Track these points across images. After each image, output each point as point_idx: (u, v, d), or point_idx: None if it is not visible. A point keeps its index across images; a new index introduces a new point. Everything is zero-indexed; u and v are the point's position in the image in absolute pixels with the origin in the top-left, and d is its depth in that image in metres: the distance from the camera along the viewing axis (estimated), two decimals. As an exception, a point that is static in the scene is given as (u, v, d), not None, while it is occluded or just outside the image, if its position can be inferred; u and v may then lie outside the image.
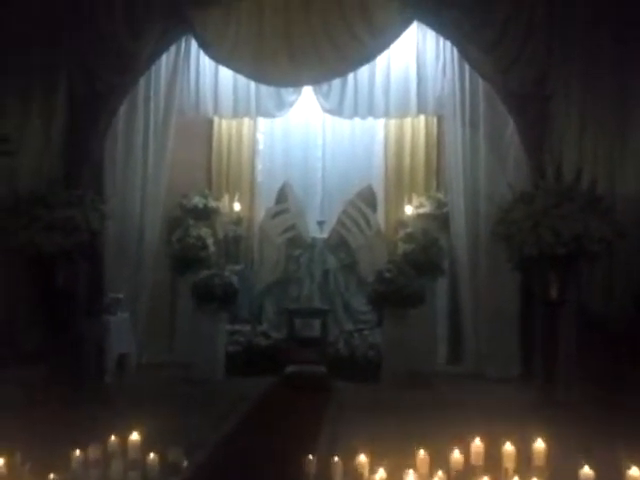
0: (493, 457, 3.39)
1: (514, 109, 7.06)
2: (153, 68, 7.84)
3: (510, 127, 7.49)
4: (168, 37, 7.47)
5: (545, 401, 6.03)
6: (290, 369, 7.15)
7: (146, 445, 3.49)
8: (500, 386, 6.99)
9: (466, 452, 3.38)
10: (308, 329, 7.74)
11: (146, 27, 7.15)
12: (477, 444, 3.41)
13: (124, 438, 3.52)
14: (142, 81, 7.84)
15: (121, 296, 7.53)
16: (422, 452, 3.32)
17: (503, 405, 5.93)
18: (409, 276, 7.48)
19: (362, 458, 3.23)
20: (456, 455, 3.33)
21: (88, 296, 7.15)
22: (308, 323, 7.79)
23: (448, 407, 6.06)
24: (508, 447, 3.39)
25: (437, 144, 8.78)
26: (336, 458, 3.31)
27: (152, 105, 8.16)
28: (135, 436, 3.51)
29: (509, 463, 3.33)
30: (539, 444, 3.40)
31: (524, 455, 3.40)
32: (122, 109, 7.77)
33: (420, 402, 6.33)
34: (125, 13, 7.14)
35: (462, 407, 5.95)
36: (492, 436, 3.49)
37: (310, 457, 3.42)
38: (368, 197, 8.79)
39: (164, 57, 7.91)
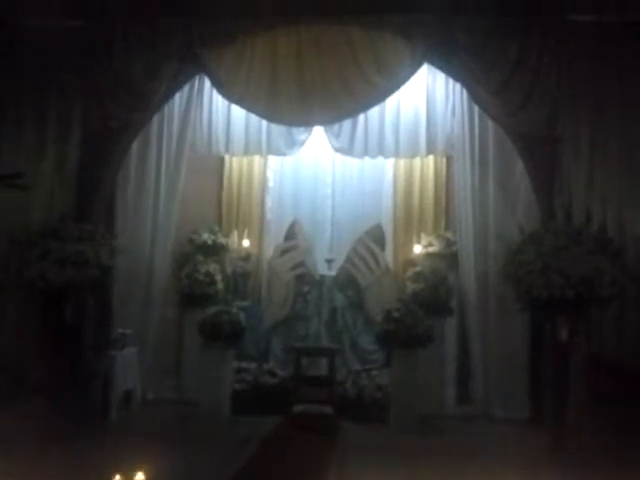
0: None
1: (523, 150, 7.11)
2: (166, 106, 7.97)
3: (519, 167, 7.53)
4: (182, 76, 7.61)
5: (555, 447, 5.93)
6: (297, 409, 7.07)
7: (151, 485, 3.45)
8: (509, 429, 6.88)
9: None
10: (315, 368, 7.69)
11: (161, 67, 7.30)
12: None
13: (129, 478, 3.48)
14: (155, 118, 7.98)
15: (129, 331, 7.52)
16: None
17: (512, 451, 5.82)
18: (417, 316, 7.43)
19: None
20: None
21: (96, 331, 7.15)
22: (315, 362, 7.75)
23: (456, 452, 5.95)
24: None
25: (446, 184, 8.81)
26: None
27: (164, 142, 8.27)
28: (140, 476, 3.47)
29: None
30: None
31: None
32: (135, 145, 7.90)
33: (428, 446, 6.23)
34: (140, 53, 7.30)
35: (471, 452, 5.84)
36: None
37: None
38: (377, 236, 8.79)
39: (177, 95, 8.04)
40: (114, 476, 3.51)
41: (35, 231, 6.89)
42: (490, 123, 7.69)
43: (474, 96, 7.46)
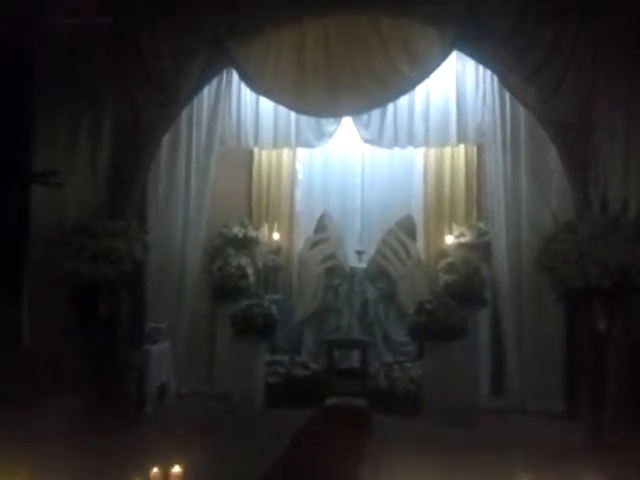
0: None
1: (557, 138, 6.95)
2: (195, 100, 7.99)
3: (552, 155, 7.36)
4: (211, 70, 7.62)
5: (592, 442, 5.82)
6: (330, 401, 7.07)
7: (188, 478, 3.47)
8: (544, 422, 6.78)
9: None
10: (347, 360, 7.68)
11: (190, 62, 7.30)
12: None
13: (166, 470, 3.50)
14: (184, 113, 8.01)
15: (162, 325, 7.59)
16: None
17: (548, 444, 5.74)
18: (450, 307, 7.36)
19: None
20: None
21: (130, 325, 7.23)
22: (347, 354, 7.73)
23: (491, 445, 5.88)
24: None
25: (477, 173, 8.69)
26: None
27: (194, 136, 8.31)
28: (177, 468, 3.49)
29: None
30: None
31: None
32: (165, 140, 7.93)
33: (463, 439, 6.17)
34: (168, 48, 7.32)
35: (506, 445, 5.76)
36: (540, 477, 3.38)
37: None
38: (408, 226, 8.72)
39: (206, 89, 8.06)
40: (152, 469, 3.54)
41: (69, 228, 6.98)
42: (522, 110, 7.54)
43: (505, 83, 7.33)
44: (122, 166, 7.37)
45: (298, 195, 9.12)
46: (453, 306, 7.40)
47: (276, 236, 8.92)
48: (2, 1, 6.45)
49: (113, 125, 7.39)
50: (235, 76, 8.08)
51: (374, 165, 9.00)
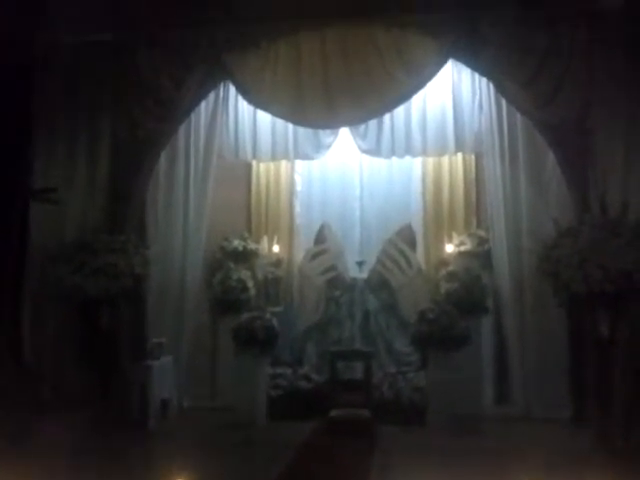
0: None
1: (555, 143, 6.97)
2: (193, 114, 8.01)
3: (551, 161, 7.37)
4: (208, 84, 7.66)
5: (601, 447, 5.77)
6: (334, 413, 7.01)
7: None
8: (551, 428, 6.72)
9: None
10: (351, 372, 7.62)
11: (186, 76, 7.34)
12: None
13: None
14: (182, 127, 8.02)
15: (164, 340, 7.55)
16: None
17: (556, 451, 5.68)
18: (453, 316, 7.32)
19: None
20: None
21: (132, 340, 7.20)
22: (350, 366, 7.67)
23: (498, 453, 5.82)
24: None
25: (476, 181, 8.69)
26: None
27: (192, 150, 8.31)
28: (182, 484, 3.46)
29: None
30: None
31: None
32: (163, 155, 7.94)
33: (469, 448, 6.11)
34: (166, 63, 7.35)
35: (512, 453, 5.70)
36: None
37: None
38: (407, 236, 8.71)
39: (203, 103, 8.08)
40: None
41: (69, 244, 6.96)
42: (519, 117, 7.56)
43: (502, 90, 7.35)
44: (121, 181, 7.38)
45: (297, 207, 9.11)
46: (455, 315, 7.36)
47: (276, 248, 8.90)
48: (2, 18, 6.48)
49: (112, 141, 7.41)
50: (232, 89, 8.12)
51: (372, 175, 9.00)
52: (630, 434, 5.75)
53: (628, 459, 5.13)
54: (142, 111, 7.33)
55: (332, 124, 8.00)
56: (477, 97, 8.15)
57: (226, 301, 8.28)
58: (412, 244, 8.69)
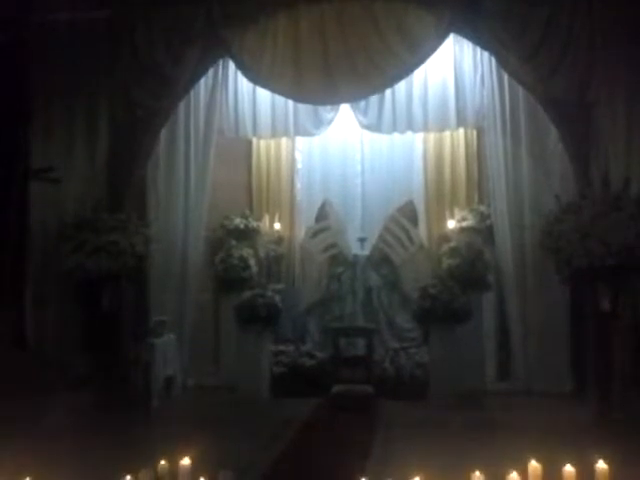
0: (552, 479, 3.25)
1: (557, 118, 6.92)
2: (192, 91, 7.96)
3: (553, 136, 7.34)
4: (206, 60, 7.59)
5: (601, 420, 5.81)
6: (336, 389, 7.06)
7: (197, 469, 3.45)
8: (552, 402, 6.77)
9: (524, 474, 3.24)
10: (353, 348, 7.66)
11: (185, 52, 7.26)
12: (534, 465, 3.27)
13: (174, 462, 3.49)
14: (182, 104, 7.98)
15: (166, 318, 7.58)
16: (478, 474, 3.20)
17: (556, 424, 5.74)
18: (454, 291, 7.34)
19: (417, 481, 3.12)
20: (514, 477, 3.20)
21: (134, 319, 7.22)
22: (353, 342, 7.71)
23: (499, 427, 5.90)
24: (568, 468, 3.24)
25: (478, 156, 8.65)
26: (389, 480, 3.22)
27: (192, 128, 8.28)
28: (186, 460, 3.48)
29: (571, 485, 3.18)
30: (601, 465, 3.25)
31: (585, 477, 3.24)
32: (163, 132, 7.90)
33: (471, 422, 6.15)
34: (164, 40, 7.27)
35: (514, 426, 5.78)
36: (549, 457, 3.35)
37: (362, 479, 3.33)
38: (409, 212, 8.69)
39: (202, 80, 8.03)
40: (160, 461, 3.53)
41: (69, 223, 6.95)
42: (521, 91, 7.51)
43: (504, 64, 7.28)
44: (120, 160, 7.35)
45: (298, 184, 9.09)
46: (457, 290, 7.38)
47: (277, 226, 8.90)
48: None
49: (110, 119, 7.36)
50: (231, 67, 8.06)
51: (374, 151, 8.97)
52: (629, 407, 5.78)
53: (627, 431, 5.15)
54: (141, 89, 7.27)
55: (332, 100, 7.94)
56: (479, 72, 8.09)
57: (228, 279, 8.29)
58: (414, 220, 8.68)
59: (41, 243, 6.99)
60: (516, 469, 3.22)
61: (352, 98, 7.94)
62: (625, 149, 6.53)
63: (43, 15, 7.15)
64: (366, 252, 8.67)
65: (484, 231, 8.23)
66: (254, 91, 8.48)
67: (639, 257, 5.89)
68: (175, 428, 5.91)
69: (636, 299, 6.20)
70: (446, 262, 8.06)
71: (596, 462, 3.25)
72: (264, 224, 8.88)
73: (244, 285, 8.14)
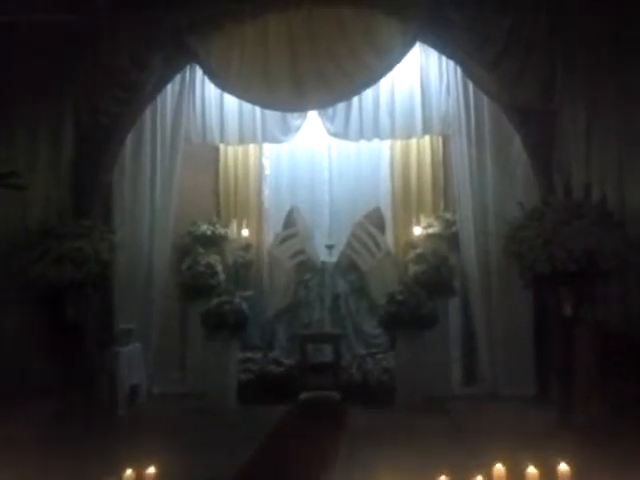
0: (516, 482, 3.30)
1: (520, 125, 7.06)
2: (159, 98, 7.91)
3: (517, 144, 7.48)
4: (172, 67, 7.54)
5: (563, 423, 5.92)
6: (304, 396, 7.07)
7: (163, 478, 3.42)
8: (516, 407, 6.87)
9: (488, 478, 3.28)
10: (320, 355, 7.69)
11: (149, 58, 7.19)
12: (499, 468, 3.32)
13: (140, 471, 3.45)
14: (148, 111, 7.91)
15: (132, 327, 7.50)
16: (443, 478, 3.23)
17: (521, 428, 5.82)
18: (421, 297, 7.41)
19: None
20: (479, 481, 3.24)
21: (99, 327, 7.12)
22: (320, 349, 7.74)
23: (465, 431, 5.97)
24: (531, 470, 3.30)
25: (443, 163, 8.76)
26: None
27: (159, 134, 8.21)
28: (152, 469, 3.44)
29: (533, 487, 3.23)
30: (563, 467, 3.31)
31: (548, 479, 3.30)
32: (129, 139, 7.82)
33: (437, 427, 6.23)
34: (128, 45, 7.20)
35: (479, 431, 5.84)
36: (513, 460, 3.40)
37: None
38: (376, 219, 8.76)
39: (169, 86, 7.98)
40: (125, 470, 3.48)
41: (33, 230, 6.83)
42: (485, 100, 7.64)
43: (468, 73, 7.40)
44: (85, 166, 7.24)
45: (266, 191, 9.08)
46: (423, 296, 7.45)
47: (245, 232, 8.88)
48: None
49: (74, 125, 7.24)
50: (199, 73, 8.02)
51: (341, 158, 9.01)
52: (591, 411, 5.89)
53: (589, 435, 5.26)
54: (105, 95, 7.17)
55: (300, 107, 7.96)
56: (445, 80, 8.19)
57: (195, 286, 8.24)
58: (381, 227, 8.75)
59: (4, 250, 6.84)
60: (481, 473, 3.27)
61: (320, 105, 7.97)
62: (586, 157, 6.69)
63: (8, 16, 7.02)
64: (334, 259, 8.70)
65: (450, 237, 8.34)
66: (221, 97, 8.45)
67: (600, 263, 6.01)
68: (140, 437, 5.85)
69: (600, 305, 6.33)
70: (412, 268, 8.14)
71: (558, 464, 3.32)
72: (232, 231, 8.85)
73: (211, 292, 8.09)
